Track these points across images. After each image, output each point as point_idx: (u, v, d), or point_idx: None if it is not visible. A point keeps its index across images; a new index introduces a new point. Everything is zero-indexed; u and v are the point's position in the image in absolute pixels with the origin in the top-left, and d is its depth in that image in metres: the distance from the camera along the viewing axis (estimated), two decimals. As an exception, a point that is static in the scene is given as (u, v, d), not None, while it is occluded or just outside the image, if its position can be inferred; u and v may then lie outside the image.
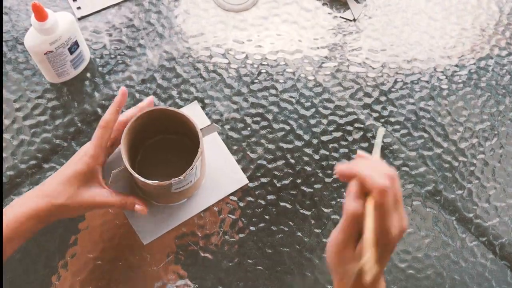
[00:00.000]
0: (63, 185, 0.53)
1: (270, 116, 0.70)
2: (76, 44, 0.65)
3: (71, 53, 0.65)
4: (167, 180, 0.55)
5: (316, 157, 0.68)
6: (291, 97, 0.72)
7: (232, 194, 0.65)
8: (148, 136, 0.64)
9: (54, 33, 0.61)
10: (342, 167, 0.44)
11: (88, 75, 0.70)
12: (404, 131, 0.71)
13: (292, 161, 0.68)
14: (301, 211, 0.66)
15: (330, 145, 0.69)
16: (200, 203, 0.64)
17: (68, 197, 0.53)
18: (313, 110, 0.71)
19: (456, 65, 0.76)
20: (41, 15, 0.58)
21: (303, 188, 0.67)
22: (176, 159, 0.64)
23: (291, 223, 0.65)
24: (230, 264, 0.63)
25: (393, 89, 0.74)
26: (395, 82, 0.74)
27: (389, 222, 0.41)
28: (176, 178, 0.55)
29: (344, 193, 0.67)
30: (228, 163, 0.67)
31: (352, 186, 0.43)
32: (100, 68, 0.71)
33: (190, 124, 0.57)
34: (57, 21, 0.60)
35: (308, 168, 0.68)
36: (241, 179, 0.66)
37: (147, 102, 0.60)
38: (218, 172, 0.66)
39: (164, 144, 0.65)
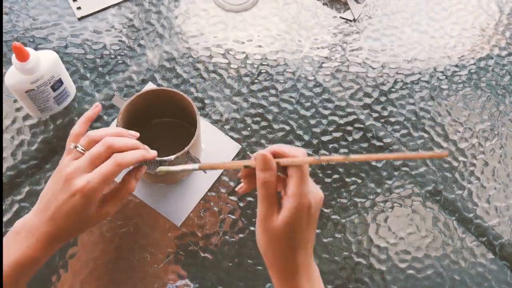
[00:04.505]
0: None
1: (270, 116, 0.70)
2: (60, 82, 0.63)
3: (54, 90, 0.63)
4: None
5: (316, 157, 0.68)
6: (291, 97, 0.72)
7: (232, 194, 0.65)
8: (143, 120, 0.64)
9: (36, 73, 0.59)
10: (262, 152, 0.46)
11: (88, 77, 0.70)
12: (404, 131, 0.71)
13: (292, 161, 0.68)
14: (301, 211, 0.66)
15: (330, 145, 0.69)
16: (209, 174, 0.66)
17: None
18: (313, 110, 0.71)
19: (456, 65, 0.76)
20: (22, 56, 0.56)
21: (303, 188, 0.67)
22: (168, 143, 0.65)
23: (291, 223, 0.65)
24: (230, 264, 0.63)
25: (393, 89, 0.74)
26: (395, 82, 0.74)
27: (309, 185, 0.46)
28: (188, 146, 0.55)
29: (344, 192, 0.67)
30: (218, 136, 0.68)
31: (259, 163, 0.45)
32: (100, 68, 0.71)
33: (181, 98, 0.57)
34: (39, 60, 0.58)
35: (308, 168, 0.68)
36: (235, 147, 0.68)
37: (93, 111, 0.56)
38: (211, 145, 0.67)
39: (157, 128, 0.66)
